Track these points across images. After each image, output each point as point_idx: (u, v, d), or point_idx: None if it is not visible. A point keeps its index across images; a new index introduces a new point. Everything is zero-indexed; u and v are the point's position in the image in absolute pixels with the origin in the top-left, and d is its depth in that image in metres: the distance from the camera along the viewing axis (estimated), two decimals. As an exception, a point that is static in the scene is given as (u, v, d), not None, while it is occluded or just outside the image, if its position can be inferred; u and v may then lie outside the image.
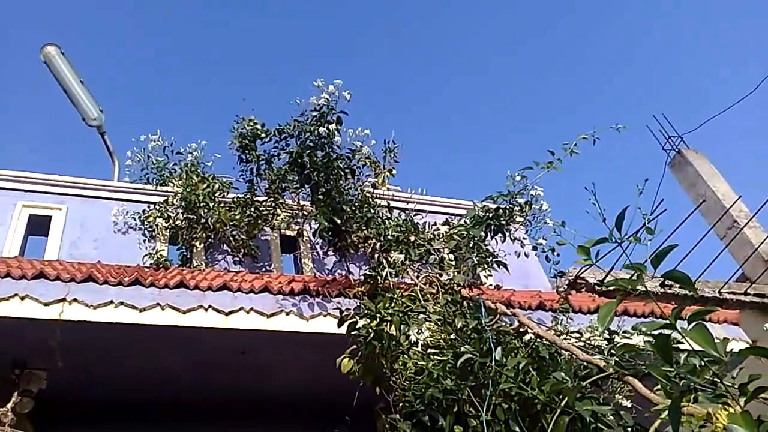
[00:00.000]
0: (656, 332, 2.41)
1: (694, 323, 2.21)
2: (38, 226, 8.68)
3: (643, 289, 2.42)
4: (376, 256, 6.37)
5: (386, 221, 6.54)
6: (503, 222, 5.83)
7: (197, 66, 33.03)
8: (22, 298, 5.47)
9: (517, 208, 5.90)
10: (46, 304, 5.46)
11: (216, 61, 33.36)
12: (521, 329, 4.99)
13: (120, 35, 31.06)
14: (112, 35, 30.78)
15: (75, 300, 5.54)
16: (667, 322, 2.35)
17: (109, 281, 5.77)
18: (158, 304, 5.72)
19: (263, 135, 7.64)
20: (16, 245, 8.27)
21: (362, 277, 6.38)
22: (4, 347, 5.67)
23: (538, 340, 4.70)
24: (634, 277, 2.36)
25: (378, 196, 7.61)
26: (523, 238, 6.46)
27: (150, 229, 8.61)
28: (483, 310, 4.83)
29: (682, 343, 2.51)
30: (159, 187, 9.03)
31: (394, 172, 8.24)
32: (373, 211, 7.02)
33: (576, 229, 5.23)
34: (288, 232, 9.30)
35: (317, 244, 9.32)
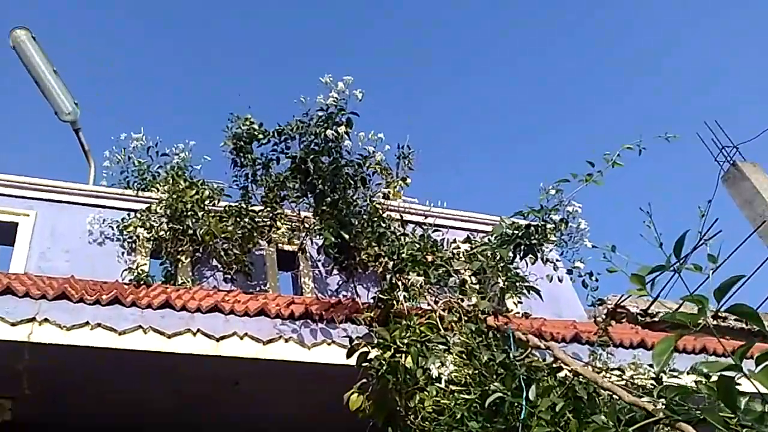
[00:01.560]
0: (718, 374, 2.44)
1: (764, 365, 2.23)
2: (2, 234, 8.76)
3: (704, 323, 2.45)
4: (389, 276, 6.38)
5: (401, 237, 6.57)
6: (535, 241, 5.85)
7: (187, 57, 33.36)
8: (-14, 317, 5.52)
9: (550, 226, 5.92)
10: (13, 324, 5.48)
11: (208, 51, 33.65)
12: (555, 365, 5.01)
13: (95, 18, 31.39)
14: (86, 18, 31.09)
15: (46, 320, 5.56)
16: (730, 362, 2.38)
17: (84, 299, 5.81)
18: (140, 327, 5.75)
19: (261, 136, 7.72)
20: (-24, 256, 8.36)
21: (372, 301, 6.42)
22: (-36, 372, 5.71)
23: (575, 377, 4.72)
24: (695, 311, 2.38)
25: (391, 208, 7.65)
26: (557, 260, 6.48)
27: (130, 240, 8.68)
28: (512, 342, 4.85)
29: (740, 384, 2.53)
30: (141, 193, 9.11)
31: (408, 181, 8.29)
32: (384, 225, 7.06)
33: (629, 255, 5.24)
34: (286, 247, 9.36)
35: (319, 261, 9.38)
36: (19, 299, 5.69)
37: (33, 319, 5.55)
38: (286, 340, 6.13)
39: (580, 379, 4.72)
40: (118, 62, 31.32)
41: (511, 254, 5.90)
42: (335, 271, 8.41)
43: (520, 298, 6.14)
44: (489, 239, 6.38)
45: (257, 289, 8.64)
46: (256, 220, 8.22)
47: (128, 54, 31.28)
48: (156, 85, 31.95)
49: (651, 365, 5.20)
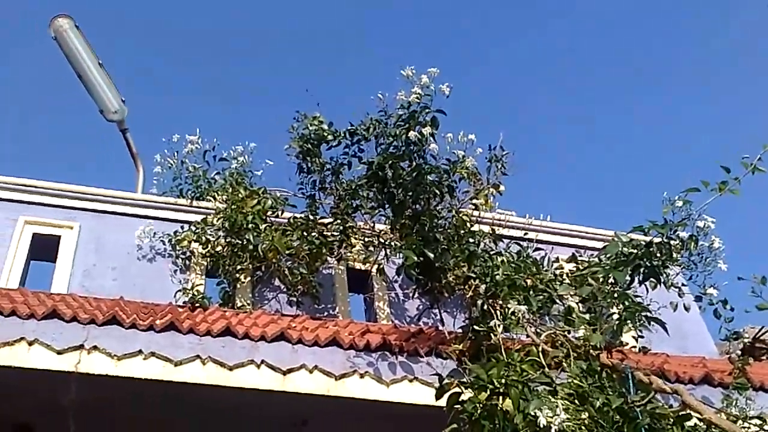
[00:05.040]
0: None
1: None
2: (43, 248, 9.06)
3: None
4: (480, 302, 6.38)
5: (495, 257, 6.54)
6: (657, 263, 5.74)
7: (249, 49, 33.75)
8: (30, 344, 5.74)
9: (676, 244, 5.81)
10: (59, 352, 5.71)
11: (274, 41, 33.99)
12: (683, 412, 4.91)
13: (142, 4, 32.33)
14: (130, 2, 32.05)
15: (95, 347, 5.77)
16: None
17: (137, 325, 6.00)
18: (198, 357, 5.90)
19: (330, 137, 7.83)
20: (16, 273, 8.66)
21: (461, 331, 6.42)
22: (6, 407, 5.93)
23: (708, 428, 4.63)
24: None
25: (483, 220, 7.62)
26: (682, 285, 6.35)
27: (183, 257, 8.87)
28: (632, 383, 4.78)
29: None
30: (195, 203, 9.28)
31: (501, 188, 8.21)
32: (474, 242, 7.04)
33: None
34: (357, 265, 9.41)
35: (395, 282, 9.40)
36: (65, 324, 5.92)
37: (81, 347, 5.76)
38: (362, 375, 6.18)
39: (713, 430, 4.63)
40: (169, 53, 31.94)
41: (628, 277, 5.81)
42: (415, 295, 8.42)
43: (640, 331, 6.04)
44: (600, 259, 6.31)
45: (325, 314, 8.70)
46: (325, 234, 8.28)
47: (181, 46, 31.89)
48: (212, 81, 32.45)
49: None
